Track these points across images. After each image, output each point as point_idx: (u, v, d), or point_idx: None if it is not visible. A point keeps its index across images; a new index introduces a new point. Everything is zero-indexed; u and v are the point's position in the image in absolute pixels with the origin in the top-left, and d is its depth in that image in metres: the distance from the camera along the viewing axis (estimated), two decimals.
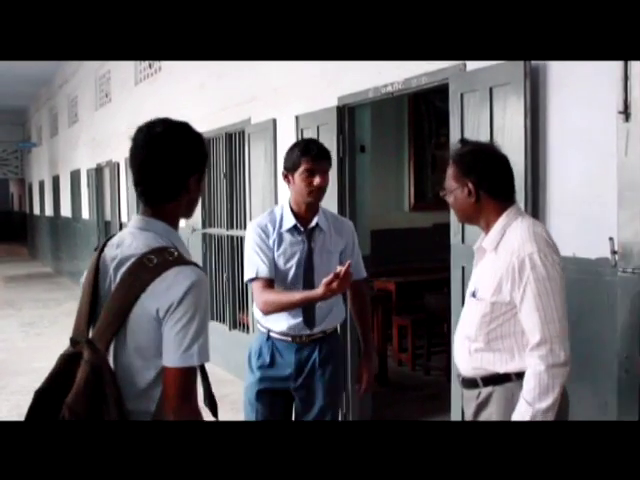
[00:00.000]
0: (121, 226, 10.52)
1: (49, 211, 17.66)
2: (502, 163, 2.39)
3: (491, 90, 3.47)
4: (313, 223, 3.15)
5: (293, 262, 3.13)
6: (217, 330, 7.01)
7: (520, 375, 2.24)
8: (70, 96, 14.40)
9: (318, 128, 5.06)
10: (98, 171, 12.07)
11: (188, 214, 1.96)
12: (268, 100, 5.91)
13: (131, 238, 1.88)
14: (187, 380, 1.75)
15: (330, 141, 4.91)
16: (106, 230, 11.80)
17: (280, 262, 3.14)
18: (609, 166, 2.89)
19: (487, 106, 3.51)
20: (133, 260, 1.81)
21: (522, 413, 2.17)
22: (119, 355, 1.82)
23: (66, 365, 1.78)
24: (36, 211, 20.20)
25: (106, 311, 1.81)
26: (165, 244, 1.85)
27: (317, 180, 3.05)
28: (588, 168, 3.06)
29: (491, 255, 2.36)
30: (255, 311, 3.24)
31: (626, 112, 2.78)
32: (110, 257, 1.88)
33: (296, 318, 3.14)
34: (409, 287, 6.97)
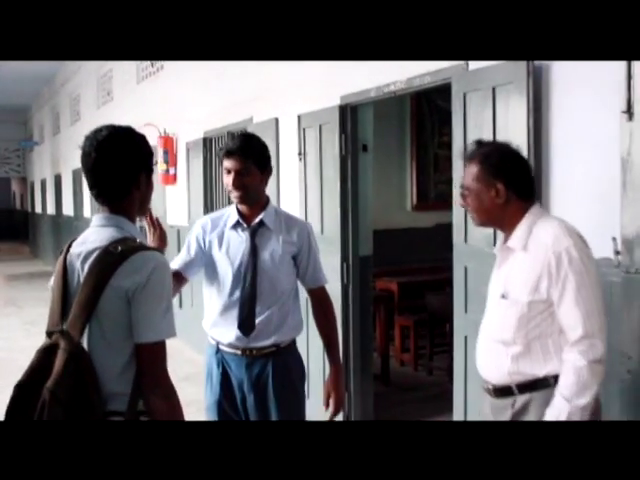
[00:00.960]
0: None
1: (51, 210, 17.68)
2: (525, 162, 2.38)
3: (494, 90, 3.47)
4: (257, 220, 2.99)
5: (237, 262, 2.97)
6: None
7: (558, 379, 2.17)
8: (72, 95, 14.42)
9: (320, 127, 5.06)
10: None
11: (142, 209, 2.13)
12: (270, 99, 5.91)
13: (94, 234, 2.04)
14: (161, 354, 1.92)
15: (332, 140, 4.92)
16: None
17: (223, 262, 3.00)
18: (612, 166, 2.89)
19: (490, 105, 3.50)
20: (99, 251, 1.96)
21: (559, 409, 2.10)
22: (93, 341, 1.94)
23: (44, 357, 1.92)
24: (38, 210, 20.22)
25: (78, 301, 1.93)
26: (126, 235, 2.01)
27: (230, 179, 2.91)
28: (591, 168, 3.05)
29: (519, 254, 2.30)
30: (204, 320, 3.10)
31: (629, 111, 2.78)
32: (76, 254, 2.03)
33: (242, 325, 2.95)
34: (411, 287, 6.97)
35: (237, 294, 2.96)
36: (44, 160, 18.33)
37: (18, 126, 21.21)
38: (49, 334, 1.96)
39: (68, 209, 15.19)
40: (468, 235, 3.72)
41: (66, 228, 15.34)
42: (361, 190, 4.96)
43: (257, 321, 2.94)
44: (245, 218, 3.03)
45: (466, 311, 3.75)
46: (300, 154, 5.34)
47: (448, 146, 5.94)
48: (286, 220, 3.07)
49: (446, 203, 5.56)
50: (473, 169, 2.34)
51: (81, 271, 1.99)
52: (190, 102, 7.68)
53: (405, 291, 6.95)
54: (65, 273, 2.02)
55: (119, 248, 1.94)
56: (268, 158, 3.02)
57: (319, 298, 3.13)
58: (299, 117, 5.34)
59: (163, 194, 8.46)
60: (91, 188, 2.05)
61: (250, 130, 6.15)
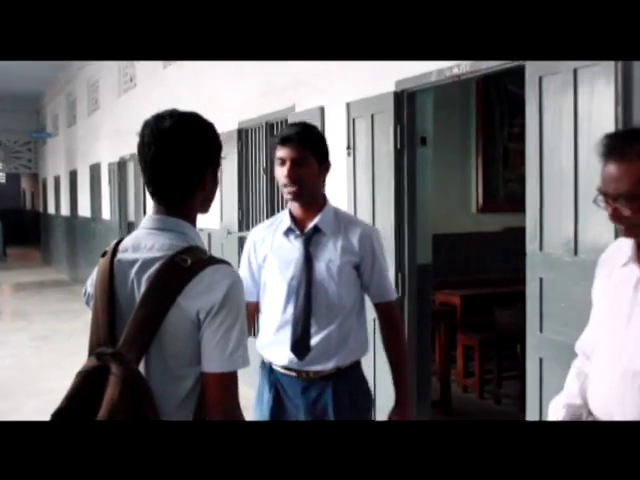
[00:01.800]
0: None
1: (65, 210, 17.99)
2: None
3: (575, 72, 3.43)
4: (311, 225, 2.98)
5: (289, 274, 2.97)
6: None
7: None
8: (90, 80, 14.67)
9: (372, 117, 5.08)
10: (121, 165, 12.28)
11: (205, 210, 2.08)
12: (315, 85, 5.95)
13: (151, 239, 1.97)
14: (234, 385, 1.88)
15: (386, 132, 4.93)
16: (129, 232, 11.91)
17: (275, 274, 3.01)
18: None
19: (571, 91, 3.47)
20: (162, 262, 1.89)
21: None
22: (152, 367, 1.89)
23: (89, 382, 1.83)
24: (50, 210, 20.58)
25: (136, 319, 1.87)
26: (191, 243, 1.95)
27: (284, 170, 2.92)
28: None
29: None
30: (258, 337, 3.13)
31: None
32: (127, 261, 1.97)
33: (295, 347, 2.96)
34: (476, 301, 6.93)
35: (290, 311, 2.97)
36: (58, 154, 18.67)
37: (29, 116, 21.51)
38: (98, 355, 1.87)
39: (84, 210, 15.45)
40: (544, 241, 3.71)
41: (82, 231, 15.61)
42: (419, 189, 4.96)
43: (313, 342, 2.93)
44: (299, 223, 3.02)
45: (541, 330, 3.73)
46: (349, 148, 5.36)
47: (520, 138, 5.90)
48: (347, 224, 3.04)
49: (517, 204, 5.52)
50: (635, 167, 1.98)
51: (137, 283, 1.93)
52: (223, 88, 7.76)
53: (469, 306, 6.91)
54: (112, 282, 1.96)
55: (188, 260, 1.88)
56: (327, 150, 3.04)
57: (385, 315, 3.09)
58: (348, 105, 5.37)
59: None
60: (147, 184, 2.00)
61: (293, 120, 6.19)
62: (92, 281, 2.08)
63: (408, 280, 4.94)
